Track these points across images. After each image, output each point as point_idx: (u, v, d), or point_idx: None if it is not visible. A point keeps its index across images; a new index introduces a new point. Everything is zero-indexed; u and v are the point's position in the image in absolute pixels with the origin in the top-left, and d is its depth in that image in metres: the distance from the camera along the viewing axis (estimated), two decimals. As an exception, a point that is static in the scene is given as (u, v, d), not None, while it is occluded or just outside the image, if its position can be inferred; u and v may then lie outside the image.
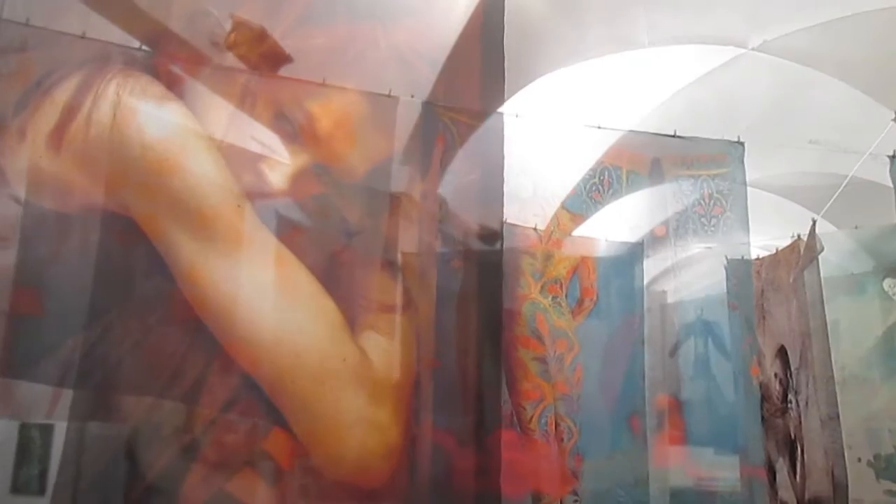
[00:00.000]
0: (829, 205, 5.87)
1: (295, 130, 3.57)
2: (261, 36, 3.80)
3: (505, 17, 5.59)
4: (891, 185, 5.37)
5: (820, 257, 5.83)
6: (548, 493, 4.65)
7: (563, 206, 4.82)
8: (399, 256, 3.73)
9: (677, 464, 4.94)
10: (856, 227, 6.49)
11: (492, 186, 4.35)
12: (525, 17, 6.09)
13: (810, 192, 7.40)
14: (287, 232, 3.57)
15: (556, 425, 4.67)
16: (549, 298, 4.76)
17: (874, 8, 6.62)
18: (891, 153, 4.82)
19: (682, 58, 7.45)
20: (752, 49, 7.49)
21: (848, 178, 6.00)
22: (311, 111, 3.61)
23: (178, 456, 3.32)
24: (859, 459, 6.42)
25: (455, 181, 4.31)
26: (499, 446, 3.92)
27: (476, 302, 4.16)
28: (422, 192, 4.01)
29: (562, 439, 4.67)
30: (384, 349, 3.55)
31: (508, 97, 5.28)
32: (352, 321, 3.54)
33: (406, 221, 3.76)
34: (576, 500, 4.67)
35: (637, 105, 6.86)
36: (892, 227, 5.52)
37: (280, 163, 3.56)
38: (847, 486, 5.14)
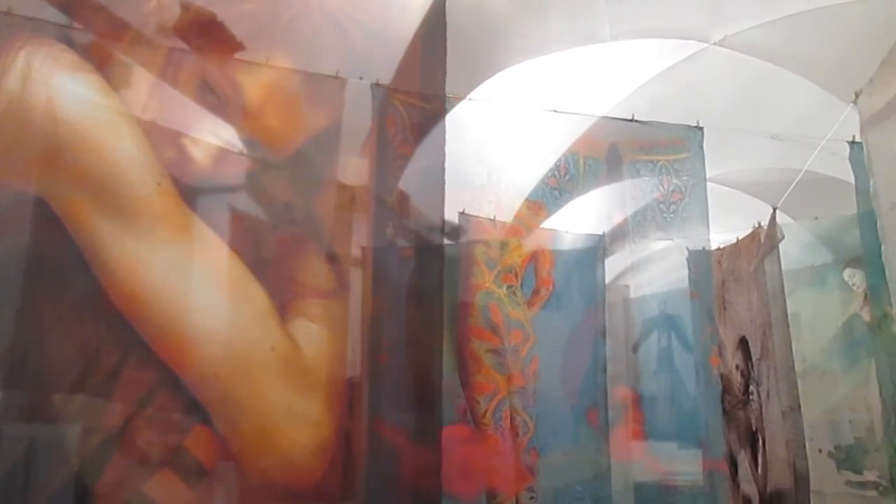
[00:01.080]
0: (785, 195, 5.64)
1: (221, 103, 3.21)
2: (209, 21, 3.44)
3: (467, 9, 5.38)
4: (849, 178, 5.11)
5: (780, 250, 5.62)
6: (503, 491, 4.34)
7: (518, 193, 4.51)
8: (336, 240, 3.36)
9: (638, 458, 4.64)
10: (816, 219, 6.31)
11: (438, 173, 4.04)
12: (487, 8, 5.88)
13: (771, 188, 7.18)
14: (212, 212, 3.20)
15: (512, 419, 4.36)
16: (504, 288, 4.45)
17: (834, 3, 6.47)
18: (850, 139, 4.54)
19: (644, 52, 7.26)
20: (714, 44, 7.32)
21: (804, 169, 5.79)
22: (239, 83, 3.26)
23: (93, 455, 2.94)
24: (820, 451, 6.28)
25: (399, 165, 3.99)
26: (440, 442, 3.59)
27: (418, 290, 3.82)
28: (360, 174, 3.67)
29: (517, 434, 4.37)
30: (317, 338, 3.19)
31: (471, 89, 4.99)
32: (282, 308, 3.18)
33: (345, 204, 3.40)
34: (532, 498, 4.37)
35: (599, 100, 6.62)
36: (852, 218, 5.28)
37: (205, 139, 3.20)
38: (808, 477, 4.91)
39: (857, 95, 3.93)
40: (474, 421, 4.34)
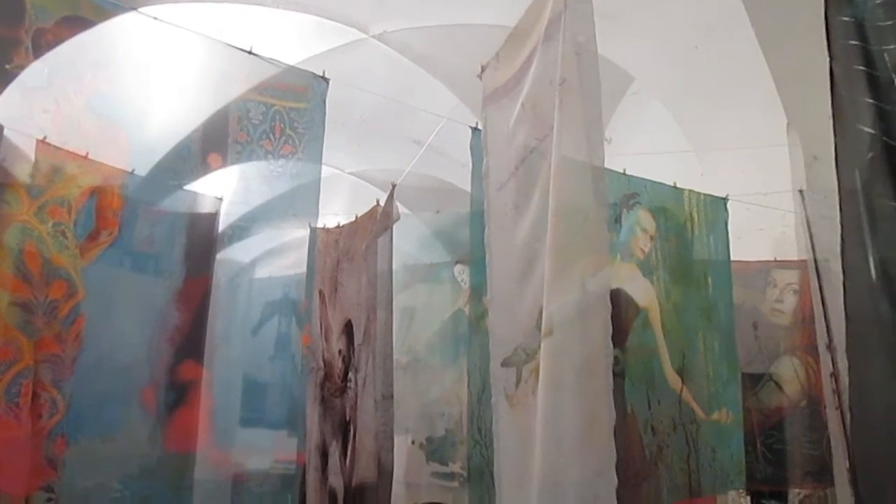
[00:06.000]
0: (403, 175, 5.23)
1: None
2: None
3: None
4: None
5: (402, 244, 5.24)
6: (6, 491, 3.04)
7: (90, 108, 3.26)
8: None
9: (201, 448, 3.63)
10: (437, 212, 6.09)
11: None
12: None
13: (410, 192, 6.91)
14: None
15: (35, 396, 3.08)
16: (49, 224, 3.17)
17: (490, 23, 6.43)
18: (474, 125, 4.14)
19: (303, 28, 6.54)
20: (373, 36, 6.89)
21: (407, 171, 5.56)
22: None
23: None
24: (413, 442, 6.10)
25: None
26: None
27: None
28: None
29: (40, 416, 3.09)
30: None
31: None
32: None
33: None
34: (49, 500, 3.12)
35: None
36: (467, 215, 5.02)
37: None
38: (392, 471, 4.42)
39: (483, 69, 3.49)
40: (-25, 397, 2.97)
